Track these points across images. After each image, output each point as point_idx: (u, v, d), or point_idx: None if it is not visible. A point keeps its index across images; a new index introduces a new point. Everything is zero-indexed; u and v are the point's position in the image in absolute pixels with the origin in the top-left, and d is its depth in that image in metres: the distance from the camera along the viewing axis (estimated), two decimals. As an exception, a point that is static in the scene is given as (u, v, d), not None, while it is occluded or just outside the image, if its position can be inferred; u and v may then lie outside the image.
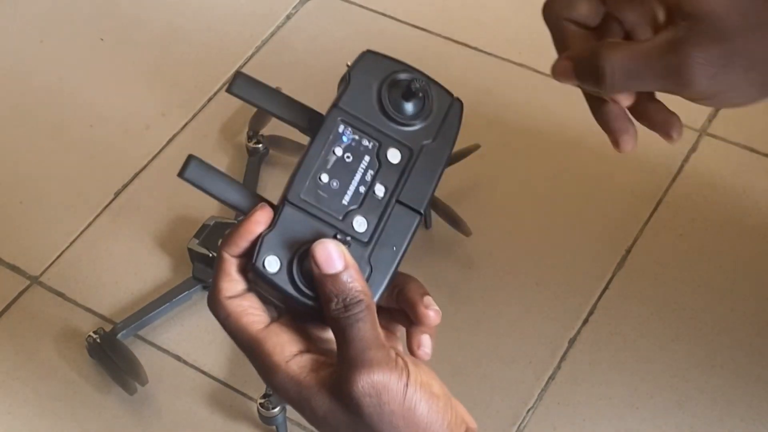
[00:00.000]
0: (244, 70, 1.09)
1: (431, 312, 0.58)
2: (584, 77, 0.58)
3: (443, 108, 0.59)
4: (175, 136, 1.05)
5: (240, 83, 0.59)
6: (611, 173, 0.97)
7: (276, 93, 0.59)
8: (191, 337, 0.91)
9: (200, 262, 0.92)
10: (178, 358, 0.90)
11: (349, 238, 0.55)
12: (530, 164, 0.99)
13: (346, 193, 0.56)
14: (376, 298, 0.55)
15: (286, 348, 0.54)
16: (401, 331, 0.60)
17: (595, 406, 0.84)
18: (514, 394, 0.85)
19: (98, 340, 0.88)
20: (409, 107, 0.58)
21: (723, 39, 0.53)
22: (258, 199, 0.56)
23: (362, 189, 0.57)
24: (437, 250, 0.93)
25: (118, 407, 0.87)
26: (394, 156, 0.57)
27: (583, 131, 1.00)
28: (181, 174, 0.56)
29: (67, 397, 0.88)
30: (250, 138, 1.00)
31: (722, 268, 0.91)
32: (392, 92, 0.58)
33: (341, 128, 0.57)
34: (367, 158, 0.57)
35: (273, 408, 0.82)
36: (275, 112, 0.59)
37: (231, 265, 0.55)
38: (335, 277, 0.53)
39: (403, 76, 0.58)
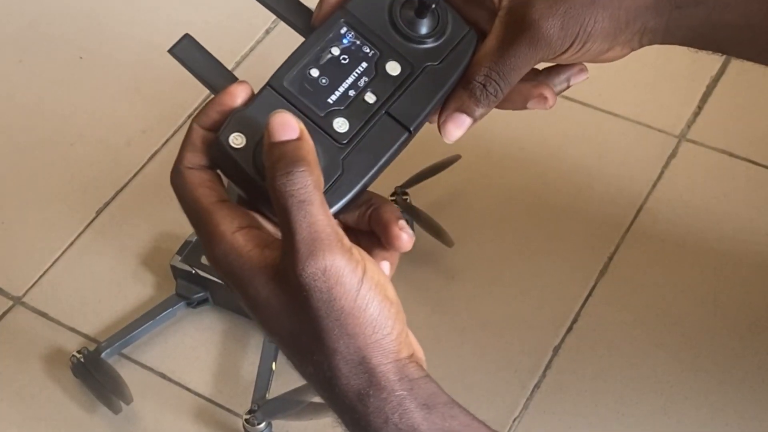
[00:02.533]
0: (224, 86, 1.09)
1: (405, 234, 0.55)
2: (483, 106, 0.58)
3: (456, 35, 0.58)
4: (156, 152, 1.05)
5: None
6: (591, 182, 0.98)
7: None
8: (176, 355, 0.90)
9: (183, 278, 0.91)
10: (163, 376, 0.89)
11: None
12: (511, 174, 0.99)
13: (333, 92, 0.55)
14: (342, 202, 0.53)
15: (235, 220, 0.52)
16: None
17: (581, 414, 0.84)
18: (500, 404, 0.85)
19: (82, 360, 0.88)
20: (419, 23, 0.57)
21: None
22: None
23: (352, 93, 0.55)
24: (419, 260, 0.93)
25: (103, 427, 0.86)
26: (393, 68, 0.56)
27: (563, 141, 1.00)
28: (170, 49, 0.56)
29: (51, 418, 0.87)
30: (231, 153, 1.00)
31: (704, 272, 0.91)
32: (405, 5, 0.57)
33: (343, 29, 0.56)
34: (364, 64, 0.56)
35: (258, 423, 0.82)
36: (279, 9, 0.58)
37: (198, 137, 0.54)
38: (284, 143, 0.50)
39: None
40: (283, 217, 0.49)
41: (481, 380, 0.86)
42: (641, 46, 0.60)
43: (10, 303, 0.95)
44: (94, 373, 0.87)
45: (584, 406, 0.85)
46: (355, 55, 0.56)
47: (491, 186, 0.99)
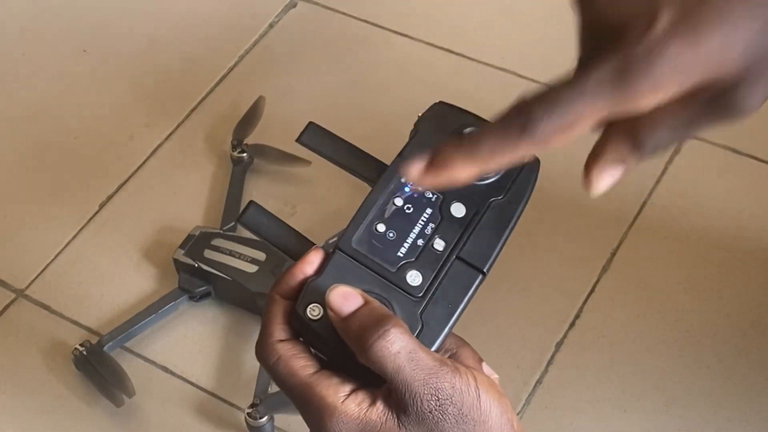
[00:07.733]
0: (228, 79, 1.09)
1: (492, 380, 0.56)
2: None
3: (517, 165, 0.56)
4: (159, 146, 1.05)
5: (310, 133, 0.59)
6: (595, 176, 0.98)
7: (345, 143, 0.59)
8: (178, 348, 0.90)
9: (186, 272, 0.91)
10: (165, 369, 0.89)
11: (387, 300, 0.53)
12: (514, 169, 0.99)
13: (402, 245, 0.55)
14: None
15: (339, 388, 0.53)
16: None
17: (583, 410, 0.84)
18: (502, 399, 0.85)
19: (85, 353, 0.88)
20: None
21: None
22: (313, 245, 0.56)
23: (420, 242, 0.55)
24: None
25: (105, 420, 0.86)
26: (458, 210, 0.56)
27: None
28: (239, 219, 0.57)
29: (54, 411, 0.88)
30: (234, 147, 1.00)
31: (707, 269, 0.91)
32: None
33: (403, 179, 0.56)
34: (428, 210, 0.56)
35: (261, 418, 0.82)
36: (344, 162, 0.58)
37: (280, 308, 0.55)
38: (356, 313, 0.51)
39: (473, 128, 0.57)
40: (397, 375, 0.50)
41: (483, 375, 0.86)
42: None
43: (13, 296, 0.95)
44: (97, 366, 0.87)
45: (586, 401, 0.85)
46: (418, 202, 0.56)
47: (494, 181, 0.99)
